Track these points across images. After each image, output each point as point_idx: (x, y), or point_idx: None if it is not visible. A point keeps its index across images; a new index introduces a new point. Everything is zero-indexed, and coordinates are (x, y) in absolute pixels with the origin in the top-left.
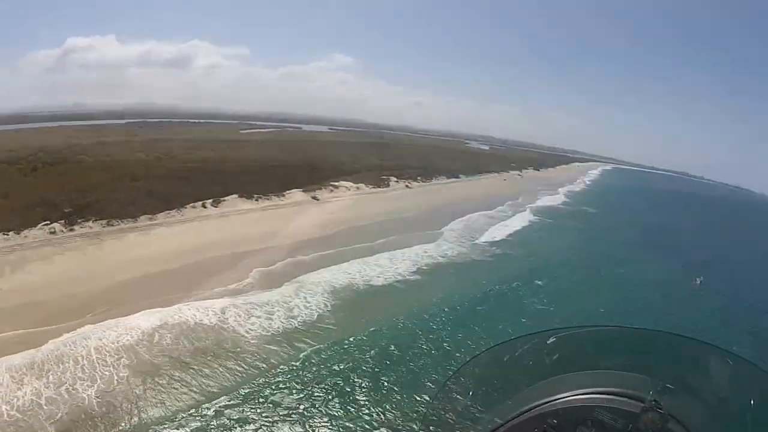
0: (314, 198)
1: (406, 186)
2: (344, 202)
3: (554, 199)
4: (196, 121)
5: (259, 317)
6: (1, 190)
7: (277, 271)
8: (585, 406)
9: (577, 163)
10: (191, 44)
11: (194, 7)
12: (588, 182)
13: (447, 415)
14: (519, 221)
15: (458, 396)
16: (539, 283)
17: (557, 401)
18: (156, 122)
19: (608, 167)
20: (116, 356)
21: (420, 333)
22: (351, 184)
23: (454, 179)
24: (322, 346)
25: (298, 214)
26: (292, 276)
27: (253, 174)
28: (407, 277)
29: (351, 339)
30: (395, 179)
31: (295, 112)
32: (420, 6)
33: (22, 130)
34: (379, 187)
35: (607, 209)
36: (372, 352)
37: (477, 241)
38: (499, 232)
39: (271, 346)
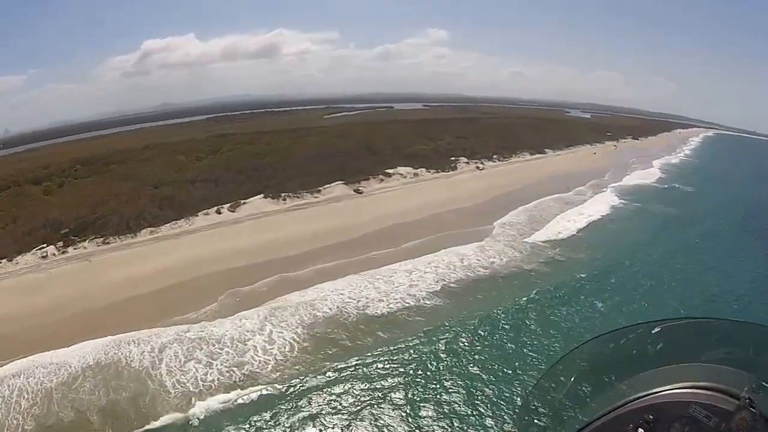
0: (357, 191)
1: (477, 168)
2: (393, 193)
3: (647, 175)
4: (282, 109)
5: (199, 362)
6: (15, 213)
7: (252, 294)
8: (682, 402)
9: (680, 130)
10: (276, 33)
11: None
12: (688, 152)
13: (545, 406)
14: (598, 207)
15: (556, 389)
16: (605, 309)
17: (656, 395)
18: (237, 114)
19: (710, 133)
20: (32, 402)
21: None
22: (409, 170)
23: (538, 155)
24: (258, 419)
25: (326, 214)
26: (269, 299)
27: (296, 168)
28: (421, 301)
29: (305, 407)
30: (465, 160)
31: (391, 92)
32: None
33: (85, 139)
34: (444, 171)
35: (707, 186)
36: None
37: (535, 240)
38: (569, 225)
39: (192, 410)
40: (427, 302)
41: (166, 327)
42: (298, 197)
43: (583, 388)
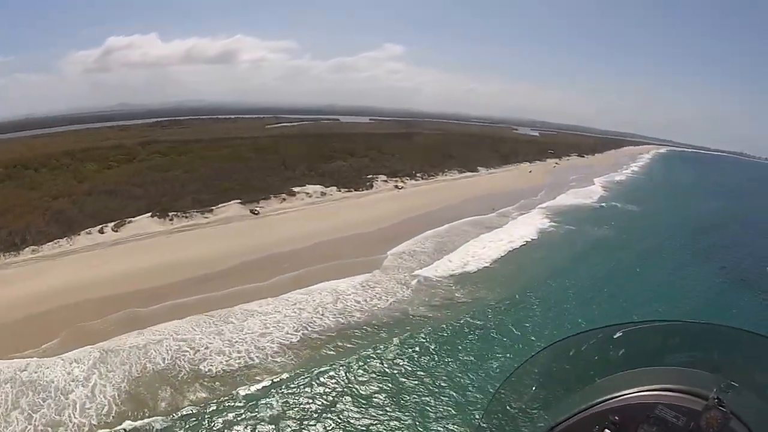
0: (253, 212)
1: (396, 187)
2: (292, 215)
3: (586, 194)
4: (229, 117)
5: (21, 412)
6: None
7: (94, 331)
8: (648, 403)
9: (630, 147)
10: (235, 39)
11: (239, 3)
12: (636, 169)
13: (504, 416)
14: (522, 231)
15: (518, 395)
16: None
17: (620, 398)
18: (184, 120)
19: (662, 150)
20: None
21: None
22: (318, 188)
23: (469, 173)
24: None
25: (210, 238)
26: (107, 338)
27: (198, 182)
28: (269, 358)
29: None
30: (384, 178)
31: (345, 104)
32: None
33: (23, 138)
34: (358, 190)
35: (650, 204)
36: None
37: (435, 274)
38: (483, 253)
39: None
40: (276, 359)
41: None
42: (186, 217)
43: (545, 394)
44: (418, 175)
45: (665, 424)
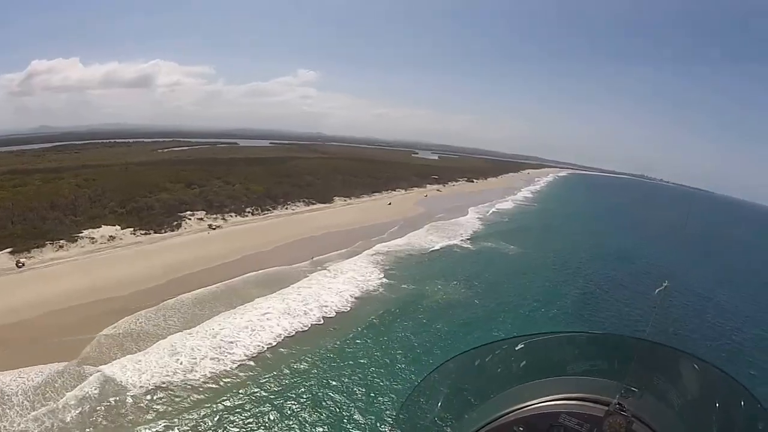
0: (18, 264)
1: (209, 227)
2: (59, 268)
3: (453, 230)
4: (128, 141)
5: None
6: None
7: None
8: (551, 412)
9: (529, 170)
10: (153, 63)
11: (158, 28)
12: (528, 195)
13: (413, 428)
14: (329, 295)
15: (425, 407)
16: None
17: (524, 409)
18: (79, 144)
19: (563, 173)
20: None
21: None
22: (111, 230)
23: (320, 205)
24: None
25: None
26: None
27: None
28: None
29: None
30: (200, 216)
31: (258, 128)
32: (382, 20)
33: None
34: (159, 232)
35: (535, 242)
36: None
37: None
38: (228, 354)
39: None
40: None
41: None
42: None
43: (452, 407)
44: (248, 210)
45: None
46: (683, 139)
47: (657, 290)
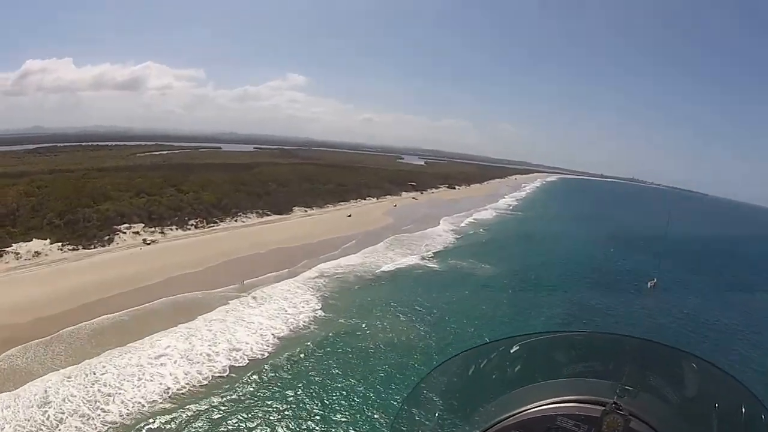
0: None
1: (144, 242)
2: None
3: (418, 244)
4: (109, 144)
5: None
6: None
7: None
8: (548, 415)
9: (517, 176)
10: (144, 66)
11: (150, 30)
12: (512, 203)
13: None
14: (244, 332)
15: (419, 419)
16: None
17: (520, 413)
18: (62, 147)
19: (552, 178)
20: None
21: None
22: (38, 245)
23: (275, 216)
24: None
25: None
26: None
27: None
28: None
29: None
30: (137, 230)
31: (246, 132)
32: (373, 24)
33: None
34: (89, 246)
35: (512, 259)
36: None
37: None
38: None
39: None
40: None
41: None
42: None
43: (447, 415)
44: (191, 223)
45: None
46: (675, 141)
47: (649, 284)
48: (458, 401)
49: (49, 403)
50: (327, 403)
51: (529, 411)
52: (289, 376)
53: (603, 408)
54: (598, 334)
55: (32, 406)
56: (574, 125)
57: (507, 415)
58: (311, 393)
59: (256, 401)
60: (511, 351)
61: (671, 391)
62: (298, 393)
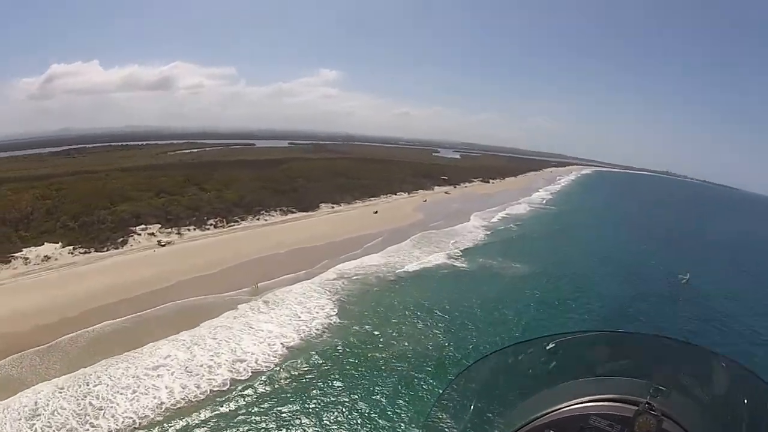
0: None
1: (159, 243)
2: None
3: (446, 241)
4: (140, 143)
5: None
6: None
7: None
8: (582, 414)
9: (552, 168)
10: (173, 66)
11: (180, 31)
12: (547, 196)
13: None
14: (227, 358)
15: (453, 415)
16: None
17: (553, 412)
18: (90, 148)
19: (588, 171)
20: None
21: None
22: (50, 248)
23: (301, 214)
24: None
25: None
26: None
27: None
28: None
29: None
30: (153, 230)
31: (281, 128)
32: (406, 17)
33: None
34: (102, 249)
35: (541, 259)
36: None
37: None
38: None
39: None
40: None
41: None
42: None
43: (482, 413)
44: (210, 222)
45: None
46: (708, 135)
47: (681, 280)
48: (493, 397)
49: (38, 415)
50: (326, 423)
51: (563, 409)
52: (290, 394)
53: (636, 408)
54: (631, 333)
55: (20, 419)
56: (611, 118)
57: (541, 413)
58: (309, 411)
59: (252, 419)
60: (547, 348)
61: (701, 391)
62: (295, 411)
